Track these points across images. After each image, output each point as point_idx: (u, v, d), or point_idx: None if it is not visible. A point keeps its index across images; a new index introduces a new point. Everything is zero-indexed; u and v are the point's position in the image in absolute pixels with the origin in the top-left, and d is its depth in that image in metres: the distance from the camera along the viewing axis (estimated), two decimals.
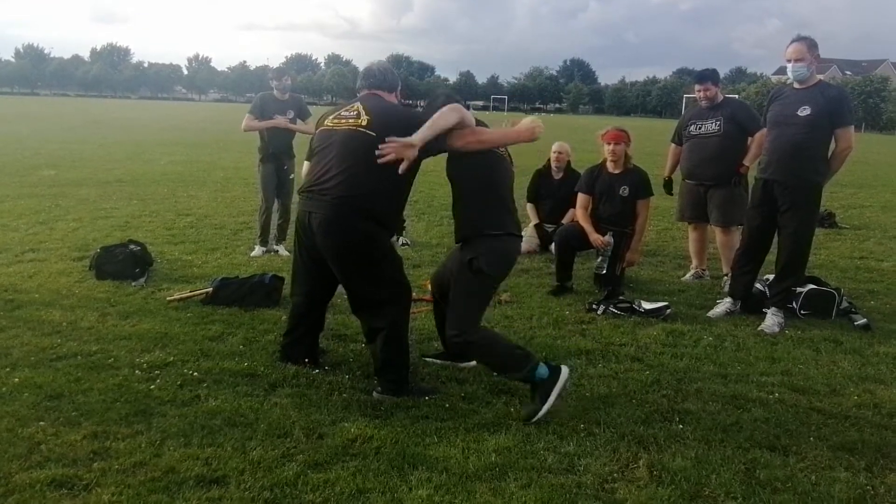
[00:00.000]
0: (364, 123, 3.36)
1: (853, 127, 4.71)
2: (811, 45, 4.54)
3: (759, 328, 4.71)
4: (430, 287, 4.04)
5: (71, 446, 2.84)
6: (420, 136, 3.22)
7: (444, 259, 3.89)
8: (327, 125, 3.52)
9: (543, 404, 3.20)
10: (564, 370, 3.30)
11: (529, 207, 7.19)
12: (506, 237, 3.43)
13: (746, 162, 5.52)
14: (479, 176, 3.42)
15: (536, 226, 7.06)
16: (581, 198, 5.69)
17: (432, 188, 10.28)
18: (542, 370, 3.28)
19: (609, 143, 5.51)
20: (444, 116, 3.29)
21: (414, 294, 5.10)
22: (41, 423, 3.03)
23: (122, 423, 3.06)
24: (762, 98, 42.60)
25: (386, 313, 3.45)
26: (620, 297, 5.13)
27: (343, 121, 3.46)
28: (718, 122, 5.61)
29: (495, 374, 3.59)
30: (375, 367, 3.53)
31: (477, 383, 3.64)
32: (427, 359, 3.93)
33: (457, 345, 3.38)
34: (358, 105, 3.49)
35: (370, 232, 3.36)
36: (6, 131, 22.12)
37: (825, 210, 9.11)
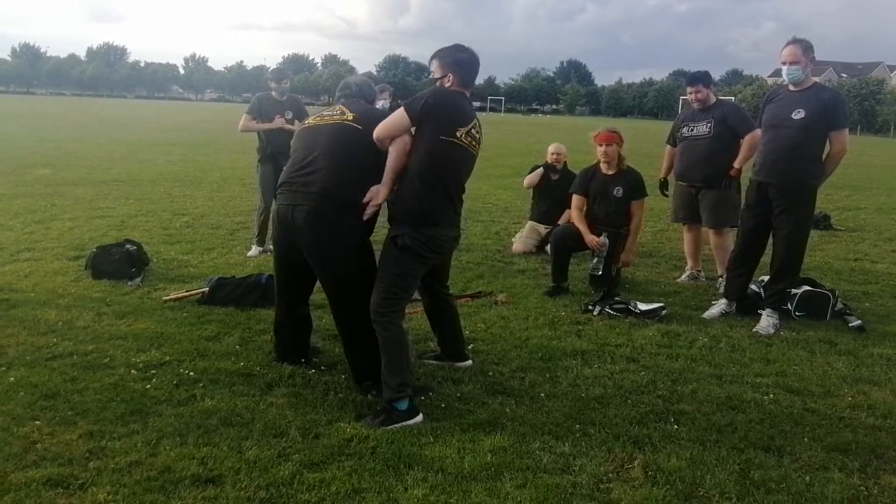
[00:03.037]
0: (350, 118, 3.41)
1: (847, 130, 4.72)
2: (806, 47, 4.55)
3: (754, 329, 4.73)
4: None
5: (66, 445, 2.84)
6: (385, 184, 3.28)
7: None
8: (310, 123, 3.60)
9: (382, 425, 3.11)
10: (419, 418, 3.19)
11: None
12: (444, 227, 3.35)
13: (737, 164, 5.54)
14: (430, 162, 3.25)
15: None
16: (576, 199, 5.70)
17: None
18: (404, 404, 3.18)
19: (601, 145, 5.52)
20: (395, 157, 3.26)
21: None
22: (37, 422, 3.03)
23: (117, 422, 3.06)
24: (758, 100, 42.70)
25: (365, 311, 3.33)
26: (616, 298, 5.15)
27: (327, 117, 3.49)
28: (710, 124, 5.63)
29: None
30: (356, 365, 3.51)
31: (473, 383, 3.65)
32: (424, 360, 3.93)
33: (372, 322, 3.26)
34: (340, 106, 3.55)
35: (351, 226, 3.34)
36: (2, 130, 22.05)
37: (820, 212, 9.15)
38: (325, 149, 3.34)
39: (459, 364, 3.86)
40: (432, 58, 3.43)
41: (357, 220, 3.32)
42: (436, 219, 3.30)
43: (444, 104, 3.28)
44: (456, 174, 3.37)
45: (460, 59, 3.36)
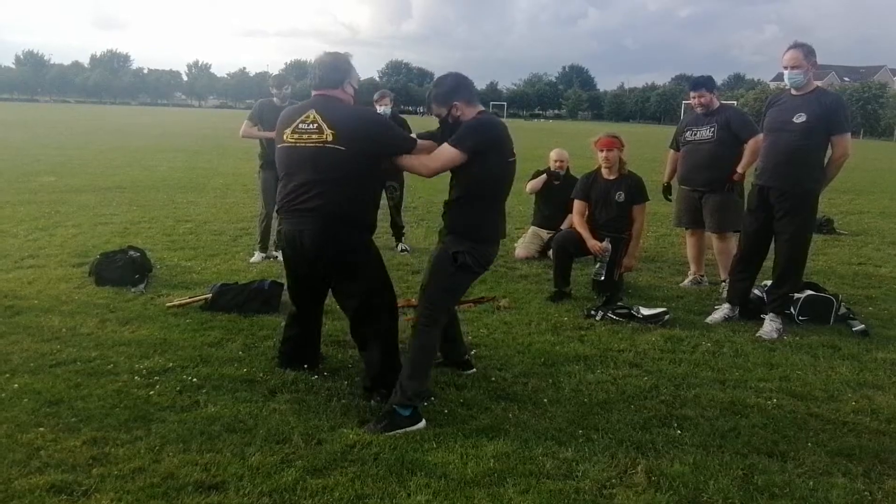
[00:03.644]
0: (330, 139, 3.24)
1: (849, 134, 4.72)
2: (808, 51, 4.56)
3: (758, 334, 4.72)
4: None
5: (70, 452, 2.85)
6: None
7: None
8: (288, 141, 3.36)
9: (385, 431, 3.12)
10: (422, 423, 3.21)
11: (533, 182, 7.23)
12: (494, 243, 3.45)
13: (740, 169, 5.55)
14: (490, 184, 3.35)
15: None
16: (577, 204, 5.71)
17: (431, 194, 10.30)
18: (408, 410, 3.19)
19: (602, 150, 5.53)
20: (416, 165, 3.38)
21: (412, 300, 5.15)
22: (40, 428, 3.04)
23: (121, 428, 3.07)
24: (760, 104, 42.62)
25: (382, 320, 3.47)
26: (619, 303, 5.14)
27: (305, 135, 3.30)
28: (713, 129, 5.64)
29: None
30: (373, 374, 3.52)
31: (476, 389, 3.65)
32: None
33: (414, 328, 3.34)
34: (313, 114, 3.31)
35: (360, 239, 3.42)
36: (6, 137, 22.16)
37: (823, 216, 9.13)
38: (314, 175, 3.30)
39: (465, 372, 3.88)
40: (430, 103, 3.44)
41: (362, 233, 3.42)
42: (494, 236, 3.42)
43: (493, 133, 3.32)
44: (508, 191, 3.48)
45: (452, 87, 3.36)
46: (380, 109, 6.96)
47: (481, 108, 3.42)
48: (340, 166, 3.26)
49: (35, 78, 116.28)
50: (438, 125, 3.52)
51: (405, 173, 3.81)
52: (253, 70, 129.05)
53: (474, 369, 3.89)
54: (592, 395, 3.64)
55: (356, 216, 3.36)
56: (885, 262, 7.47)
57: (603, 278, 5.42)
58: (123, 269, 5.45)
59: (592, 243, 5.45)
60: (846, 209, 11.64)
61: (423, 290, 3.42)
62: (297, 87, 7.13)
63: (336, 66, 3.43)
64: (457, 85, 3.37)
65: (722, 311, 5.09)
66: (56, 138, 22.76)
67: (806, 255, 4.85)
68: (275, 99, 6.57)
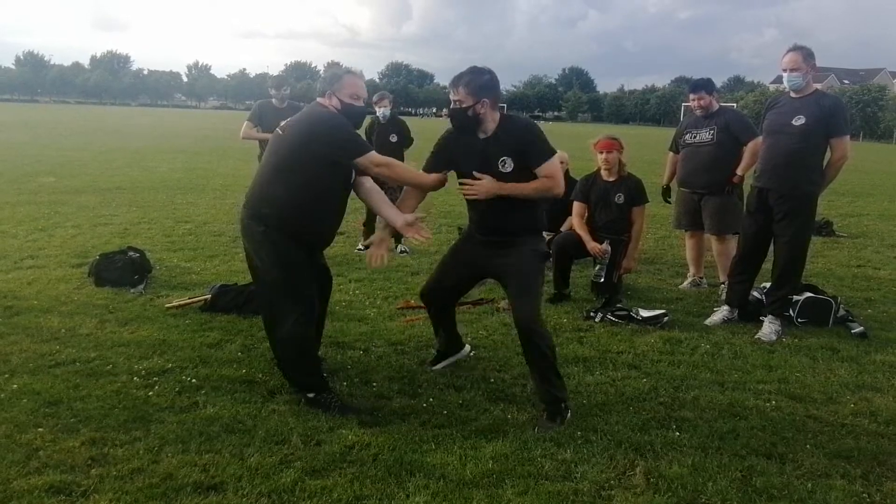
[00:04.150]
0: (282, 126, 3.45)
1: (848, 136, 4.73)
2: (807, 54, 4.56)
3: (757, 336, 4.72)
4: (421, 301, 3.99)
5: (69, 452, 2.85)
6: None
7: (440, 269, 3.81)
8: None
9: (562, 423, 3.25)
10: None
11: None
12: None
13: (739, 171, 5.55)
14: None
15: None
16: (577, 206, 5.71)
17: (430, 196, 10.27)
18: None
19: (602, 152, 5.54)
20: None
21: (410, 301, 5.15)
22: (39, 429, 3.04)
23: (120, 429, 3.07)
24: (760, 107, 42.61)
25: (283, 322, 3.36)
26: (618, 305, 5.14)
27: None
28: (712, 131, 5.65)
29: (543, 375, 3.42)
30: (295, 383, 3.54)
31: (474, 390, 3.65)
32: (434, 368, 3.92)
33: (528, 331, 3.31)
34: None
35: (265, 236, 3.34)
36: (6, 138, 22.16)
37: (823, 218, 9.15)
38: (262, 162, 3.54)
39: (460, 354, 3.97)
40: (458, 86, 3.32)
41: (268, 231, 3.34)
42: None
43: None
44: None
45: (488, 83, 3.33)
46: (379, 111, 6.97)
47: (500, 112, 3.43)
48: (276, 153, 3.38)
49: (35, 79, 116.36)
50: (448, 109, 3.47)
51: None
52: (253, 71, 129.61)
53: (468, 347, 4.08)
54: (591, 396, 3.65)
55: (267, 213, 3.34)
56: (884, 264, 7.47)
57: (602, 280, 5.42)
58: (123, 269, 5.45)
59: (592, 245, 5.46)
60: (845, 211, 11.66)
61: (522, 297, 3.37)
62: (296, 88, 7.16)
63: (324, 77, 3.56)
64: (492, 83, 3.35)
65: (721, 313, 5.09)
66: (56, 139, 22.76)
67: (805, 258, 4.85)
68: (273, 100, 6.59)
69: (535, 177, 3.33)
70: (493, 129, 3.35)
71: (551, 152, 3.35)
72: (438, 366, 3.94)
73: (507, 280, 3.48)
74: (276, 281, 3.37)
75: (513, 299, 3.44)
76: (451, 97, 3.37)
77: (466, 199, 3.50)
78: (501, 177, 3.31)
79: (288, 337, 3.35)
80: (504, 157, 3.29)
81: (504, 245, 3.44)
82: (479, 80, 3.30)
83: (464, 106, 3.30)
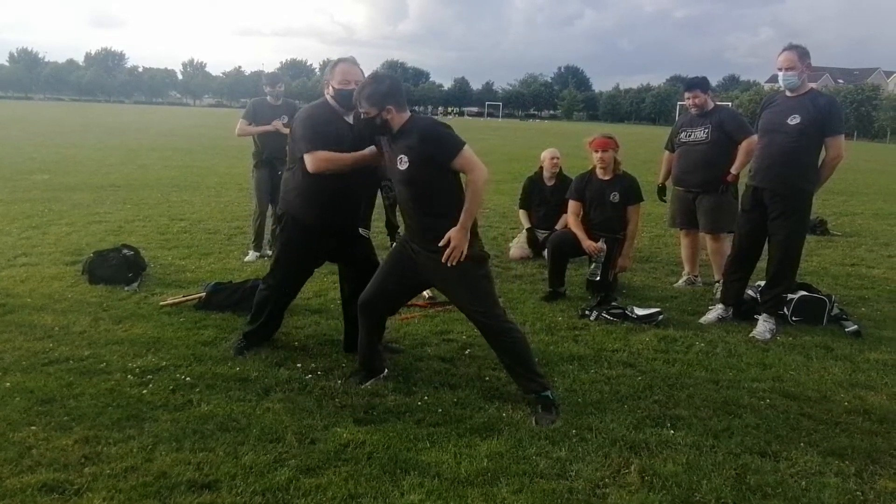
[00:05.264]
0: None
1: (843, 135, 4.73)
2: (802, 53, 4.57)
3: (751, 334, 4.73)
4: (360, 311, 3.68)
5: (62, 451, 2.84)
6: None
7: (380, 277, 3.64)
8: None
9: (557, 418, 3.31)
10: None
11: (522, 214, 7.29)
12: None
13: (734, 170, 5.56)
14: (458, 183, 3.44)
15: (528, 229, 7.11)
16: (572, 205, 5.71)
17: None
18: (550, 392, 3.44)
19: (597, 151, 5.54)
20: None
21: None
22: (33, 427, 3.02)
23: (113, 427, 3.06)
24: (755, 106, 42.74)
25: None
26: (613, 304, 5.15)
27: None
28: (707, 130, 5.65)
29: (516, 369, 3.49)
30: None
31: (469, 388, 3.65)
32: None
33: (500, 331, 3.45)
34: None
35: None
36: (0, 136, 22.07)
37: (817, 217, 9.17)
38: None
39: (384, 374, 3.77)
40: (361, 100, 3.34)
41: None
42: None
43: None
44: None
45: (388, 91, 3.32)
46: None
47: (408, 112, 3.39)
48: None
49: (29, 76, 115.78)
50: (355, 124, 3.52)
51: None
52: (248, 69, 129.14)
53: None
54: (586, 394, 3.65)
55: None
56: (878, 263, 7.50)
57: (597, 278, 5.42)
58: (117, 267, 5.43)
59: (588, 244, 5.46)
60: (840, 210, 11.69)
61: (475, 303, 3.45)
62: (291, 85, 7.14)
63: (324, 71, 3.90)
64: (393, 89, 3.34)
65: (715, 312, 5.10)
66: (50, 136, 22.67)
67: (799, 256, 4.86)
68: (268, 97, 6.56)
69: (439, 176, 3.32)
70: (395, 131, 3.37)
71: (459, 144, 3.26)
72: (367, 384, 3.67)
73: (449, 292, 3.58)
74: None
75: (467, 310, 3.51)
76: (358, 108, 3.40)
77: (399, 207, 3.65)
78: (400, 174, 3.34)
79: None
80: (401, 155, 3.32)
81: (439, 251, 3.35)
82: (381, 90, 3.32)
83: (371, 116, 3.34)
